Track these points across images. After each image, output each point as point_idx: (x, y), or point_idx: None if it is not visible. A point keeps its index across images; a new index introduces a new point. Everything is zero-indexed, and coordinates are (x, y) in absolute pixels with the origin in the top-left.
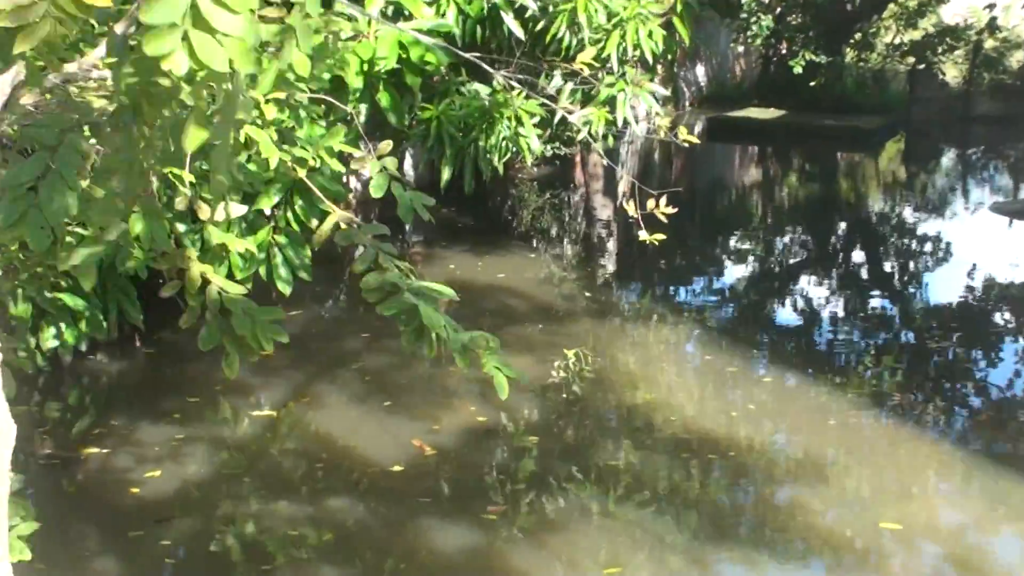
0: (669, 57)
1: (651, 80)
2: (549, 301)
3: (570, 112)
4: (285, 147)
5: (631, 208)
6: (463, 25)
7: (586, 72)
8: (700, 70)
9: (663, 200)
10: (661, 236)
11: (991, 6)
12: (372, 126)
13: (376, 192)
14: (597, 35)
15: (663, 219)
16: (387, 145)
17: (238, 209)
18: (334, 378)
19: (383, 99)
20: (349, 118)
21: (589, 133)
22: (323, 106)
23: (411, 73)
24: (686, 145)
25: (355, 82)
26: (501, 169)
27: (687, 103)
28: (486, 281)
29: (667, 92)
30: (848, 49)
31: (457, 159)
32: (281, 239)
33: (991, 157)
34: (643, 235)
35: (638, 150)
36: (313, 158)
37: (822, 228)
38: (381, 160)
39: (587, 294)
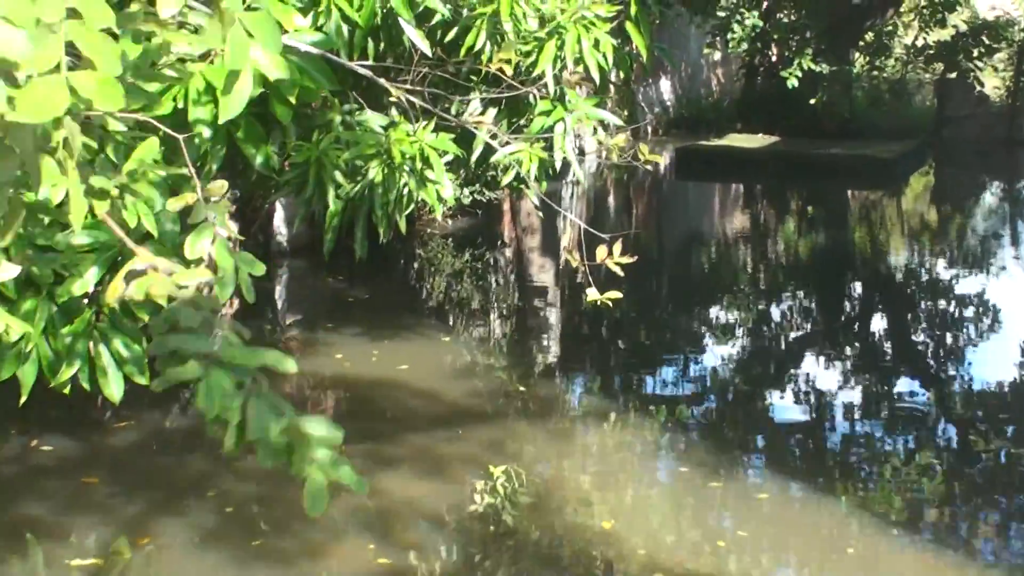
0: (621, 73)
1: (600, 104)
2: (469, 400)
3: (492, 148)
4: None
5: (575, 259)
6: (349, 37)
7: (507, 71)
8: (665, 86)
9: (617, 247)
10: (615, 295)
11: None
12: (231, 173)
13: (191, 252)
14: (527, 46)
15: (618, 270)
16: (219, 187)
17: (8, 271)
18: (183, 510)
19: (242, 136)
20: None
21: (519, 176)
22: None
23: (280, 102)
24: (647, 167)
25: (197, 113)
26: (404, 224)
27: (649, 129)
28: (383, 375)
29: (619, 120)
30: (857, 54)
31: (345, 213)
32: (106, 328)
33: None
34: (592, 294)
35: (586, 192)
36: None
37: (831, 291)
38: (206, 207)
39: (520, 388)
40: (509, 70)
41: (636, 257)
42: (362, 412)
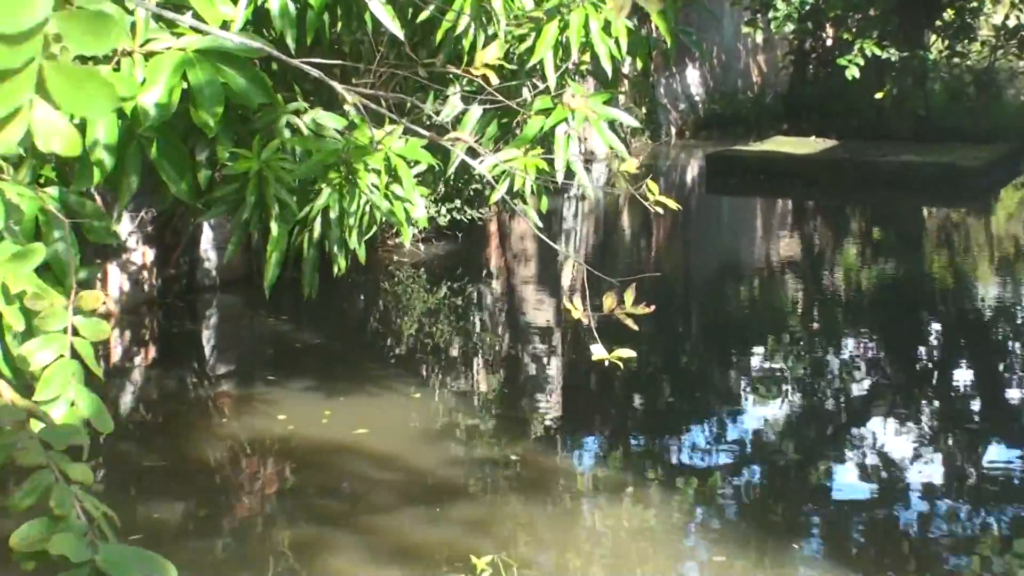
0: (638, 62)
1: (610, 101)
2: (446, 471)
3: (476, 157)
4: None
5: (576, 309)
6: (298, 20)
7: (492, 78)
8: (693, 77)
9: (630, 294)
10: (627, 354)
11: None
12: (147, 186)
13: (32, 361)
14: (521, 29)
15: (633, 325)
16: (94, 299)
17: None
18: None
19: (155, 153)
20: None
21: (511, 190)
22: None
23: (203, 109)
24: (657, 209)
25: (97, 134)
26: (363, 252)
27: (672, 131)
28: (337, 440)
29: (636, 121)
30: (934, 37)
31: (291, 238)
32: None
33: None
34: (598, 352)
35: (593, 209)
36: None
37: (903, 336)
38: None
39: (511, 456)
40: (494, 77)
41: (653, 307)
42: (309, 488)
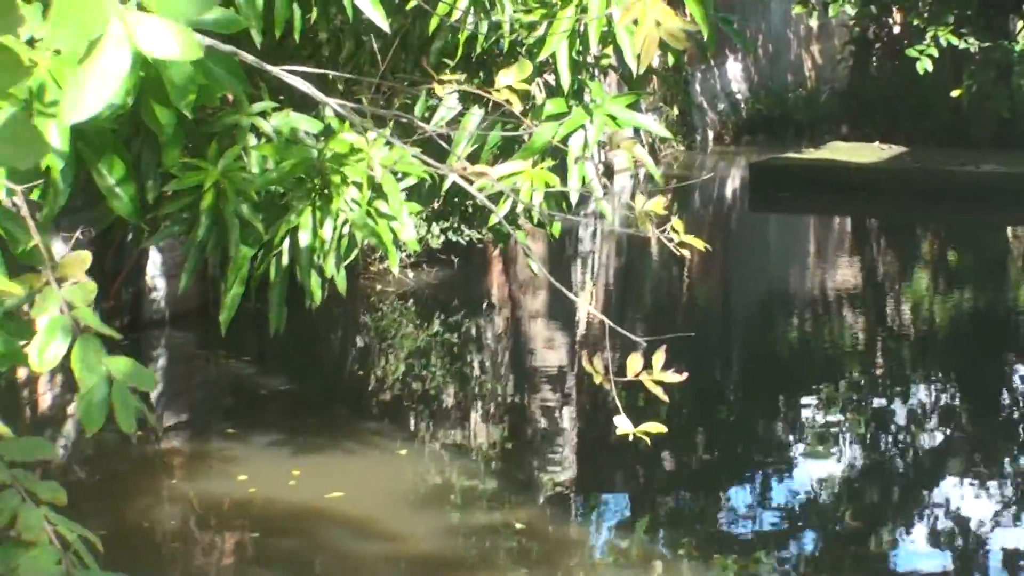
0: (670, 56)
1: (637, 103)
2: (438, 543)
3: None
4: None
5: (597, 372)
6: (266, 7)
7: (515, 105)
8: (735, 71)
9: (661, 357)
10: (658, 428)
11: None
12: (84, 200)
13: (38, 363)
14: (531, 17)
15: (663, 396)
16: (77, 261)
17: None
18: None
19: (92, 157)
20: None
21: (515, 211)
22: None
23: (159, 103)
24: (683, 251)
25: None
26: (342, 281)
27: (709, 135)
28: (307, 505)
29: (664, 129)
30: (1021, 24)
31: (256, 264)
32: None
33: None
34: (622, 425)
35: (612, 231)
36: None
37: (983, 381)
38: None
39: (515, 525)
40: (516, 103)
41: (686, 375)
42: (275, 563)
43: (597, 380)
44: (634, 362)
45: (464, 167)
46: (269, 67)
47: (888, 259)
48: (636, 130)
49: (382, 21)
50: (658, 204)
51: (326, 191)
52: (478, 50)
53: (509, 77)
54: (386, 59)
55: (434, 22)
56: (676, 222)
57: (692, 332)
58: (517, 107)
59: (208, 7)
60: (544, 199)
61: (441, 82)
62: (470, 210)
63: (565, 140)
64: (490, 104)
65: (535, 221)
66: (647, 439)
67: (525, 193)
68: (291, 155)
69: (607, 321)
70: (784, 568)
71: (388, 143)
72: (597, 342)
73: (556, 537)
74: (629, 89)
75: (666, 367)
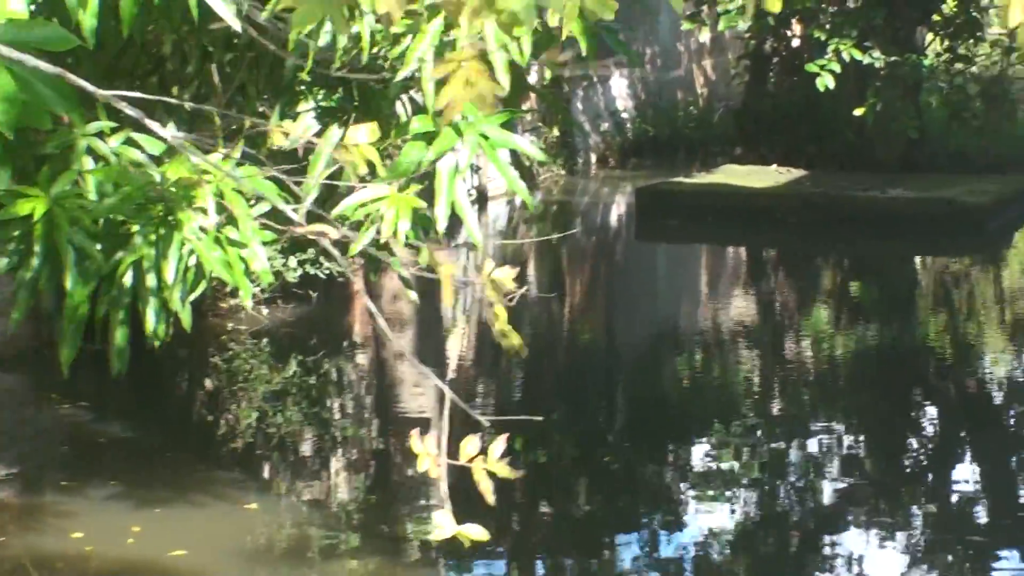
0: (546, 70)
1: (511, 122)
2: None
3: (336, 191)
4: None
5: (427, 454)
6: (102, 10)
7: (360, 168)
8: (620, 87)
9: (500, 444)
10: (478, 534)
11: None
12: None
13: None
14: (395, 28)
15: (490, 495)
16: None
17: None
18: None
19: None
20: None
21: (377, 243)
22: None
23: None
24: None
25: None
26: (188, 317)
27: (592, 158)
28: (147, 564)
29: (539, 152)
30: (931, 37)
31: (94, 301)
32: None
33: None
34: (443, 524)
35: (495, 250)
36: None
37: (889, 423)
38: None
39: None
40: (363, 167)
41: (522, 472)
42: None
43: (420, 467)
44: (468, 445)
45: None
46: (93, 89)
47: (786, 292)
48: (513, 152)
49: (233, 19)
50: (507, 278)
51: (170, 218)
52: (337, 64)
53: (361, 135)
54: (237, 75)
55: (293, 31)
56: (498, 309)
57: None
58: (363, 170)
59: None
60: (411, 228)
61: (294, 100)
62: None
63: (433, 163)
64: (351, 120)
65: (399, 247)
66: (466, 543)
67: (389, 222)
68: (131, 179)
69: (448, 393)
70: None
71: (240, 163)
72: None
73: None
74: (504, 107)
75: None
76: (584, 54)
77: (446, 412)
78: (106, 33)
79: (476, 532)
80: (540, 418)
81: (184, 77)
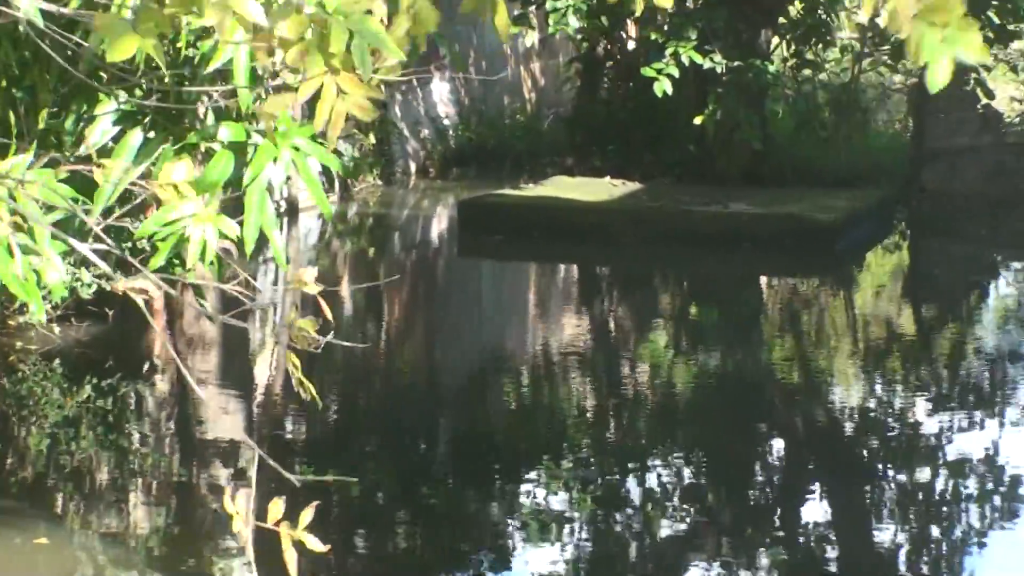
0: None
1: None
2: None
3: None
4: None
5: (237, 515)
6: None
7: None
8: (441, 92)
9: (309, 514)
10: None
11: None
12: None
13: None
14: (203, 25)
15: (293, 570)
16: None
17: None
18: None
19: None
20: None
21: (176, 259)
22: None
23: None
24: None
25: None
26: None
27: (411, 168)
28: None
29: (344, 167)
30: (776, 40)
31: None
32: None
33: None
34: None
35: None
36: None
37: (728, 458)
38: None
39: None
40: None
41: (329, 547)
42: None
43: (234, 528)
44: (275, 508)
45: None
46: None
47: (620, 314)
48: (320, 164)
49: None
50: (306, 277)
51: None
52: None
53: (178, 173)
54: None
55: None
56: (291, 356)
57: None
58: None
59: None
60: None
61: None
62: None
63: (250, 183)
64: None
65: (194, 264)
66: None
67: (196, 242)
68: None
69: (256, 450)
70: None
71: (36, 164)
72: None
73: None
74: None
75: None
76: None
77: (254, 471)
78: None
79: None
80: (355, 479)
81: None
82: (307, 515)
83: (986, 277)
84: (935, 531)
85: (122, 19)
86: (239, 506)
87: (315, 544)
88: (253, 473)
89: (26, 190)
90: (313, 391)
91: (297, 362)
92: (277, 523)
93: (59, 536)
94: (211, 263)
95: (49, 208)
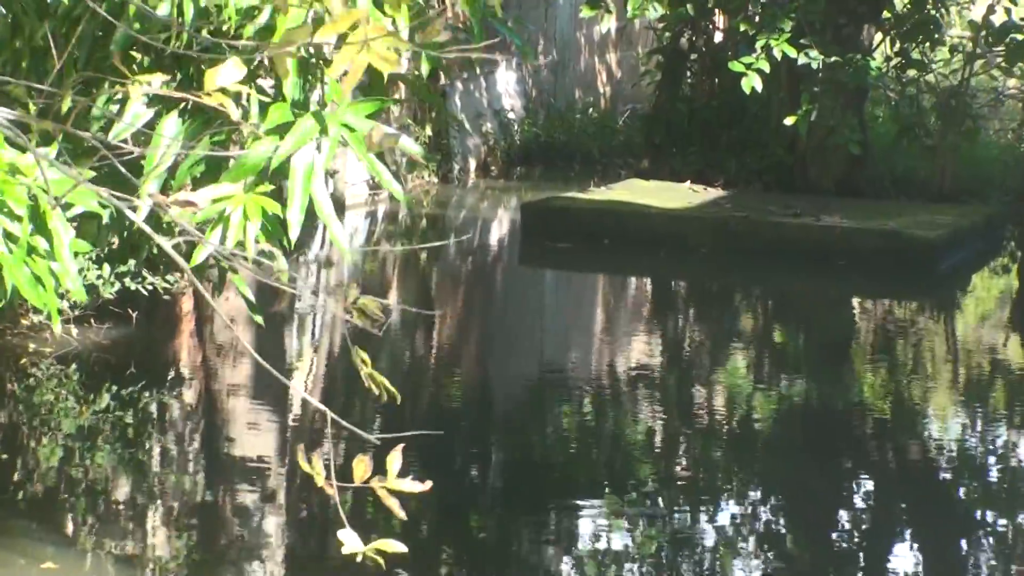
0: (424, 60)
1: (378, 114)
2: None
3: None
4: None
5: (317, 474)
6: None
7: (230, 112)
8: (507, 82)
9: (397, 459)
10: (396, 547)
11: None
12: None
13: None
14: (248, 7)
15: (399, 511)
16: None
17: None
18: None
19: None
20: None
21: (219, 254)
22: None
23: None
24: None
25: None
26: None
27: (471, 165)
28: None
29: (416, 147)
30: (879, 36)
31: None
32: None
33: None
34: (349, 542)
35: (348, 281)
36: None
37: (815, 495)
38: None
39: None
40: (234, 110)
41: (429, 484)
42: None
43: (319, 482)
44: (361, 465)
45: (164, 199)
46: None
47: (697, 335)
48: (381, 155)
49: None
50: (372, 303)
51: None
52: (178, 41)
53: (226, 75)
54: (61, 52)
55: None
56: (366, 303)
57: (439, 428)
58: (235, 114)
59: None
60: (261, 232)
61: (124, 83)
62: (153, 252)
63: (290, 157)
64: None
65: (238, 261)
66: (380, 560)
67: (236, 226)
68: None
69: (328, 412)
70: None
71: (57, 160)
72: (317, 430)
73: None
74: (371, 96)
75: (404, 472)
76: (472, 38)
77: (328, 431)
78: None
79: (390, 546)
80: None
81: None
82: (395, 460)
83: None
84: None
85: None
86: (317, 464)
87: (414, 487)
88: (328, 433)
89: (45, 190)
90: (387, 383)
91: (367, 358)
92: (365, 480)
93: (68, 560)
94: (260, 254)
95: (67, 205)
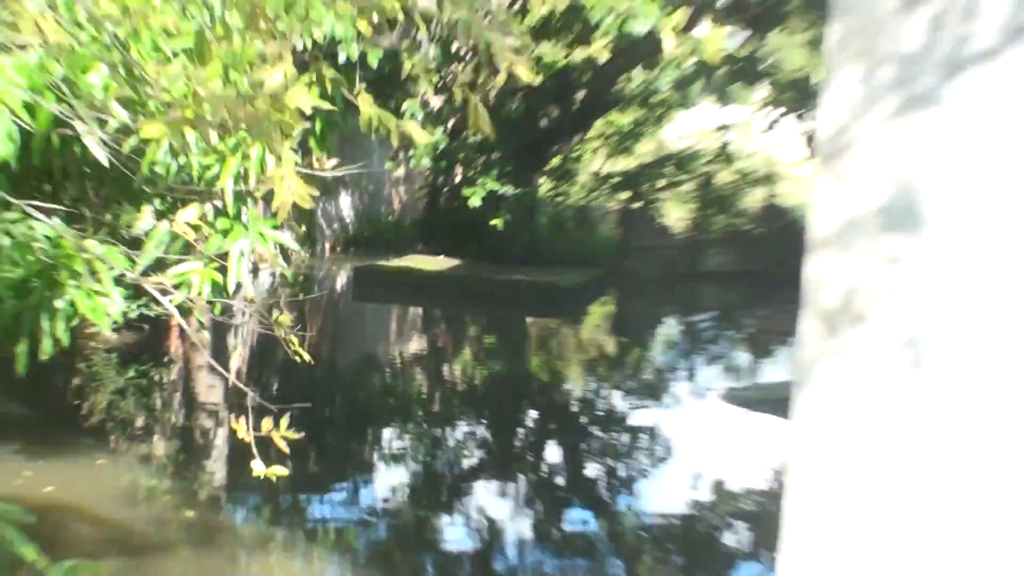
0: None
1: (277, 225)
2: (128, 526)
3: (163, 263)
4: None
5: (241, 429)
6: (22, 145)
7: (190, 235)
8: (346, 202)
9: (286, 420)
10: (281, 471)
11: (723, 128)
12: None
13: None
14: (207, 157)
15: (285, 448)
16: None
17: None
18: None
19: None
20: None
21: (187, 301)
22: None
23: None
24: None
25: None
26: (67, 338)
27: (327, 246)
28: (31, 496)
29: (295, 243)
30: (543, 178)
31: (10, 331)
32: None
33: (724, 327)
34: (258, 468)
35: (259, 309)
36: None
37: (506, 418)
38: None
39: (187, 513)
40: (190, 233)
41: (303, 434)
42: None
43: (241, 432)
44: (266, 422)
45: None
46: (14, 200)
47: (446, 337)
48: (279, 244)
49: (104, 159)
50: (286, 318)
51: (57, 278)
52: (169, 181)
53: (187, 215)
54: (103, 186)
55: (146, 162)
56: (281, 319)
57: (308, 405)
58: (191, 236)
59: None
60: (211, 288)
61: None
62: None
63: (229, 249)
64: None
65: (195, 305)
66: (273, 477)
67: (197, 285)
68: (33, 256)
69: (250, 393)
70: (370, 540)
71: (103, 241)
72: (242, 395)
73: (210, 520)
74: (273, 214)
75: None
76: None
77: (249, 402)
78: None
79: (280, 470)
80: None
81: (67, 188)
82: (285, 421)
83: (657, 320)
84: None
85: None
86: (239, 425)
87: (293, 435)
88: (249, 406)
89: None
90: (297, 345)
91: (286, 321)
92: (268, 431)
93: (112, 458)
94: (208, 296)
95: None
